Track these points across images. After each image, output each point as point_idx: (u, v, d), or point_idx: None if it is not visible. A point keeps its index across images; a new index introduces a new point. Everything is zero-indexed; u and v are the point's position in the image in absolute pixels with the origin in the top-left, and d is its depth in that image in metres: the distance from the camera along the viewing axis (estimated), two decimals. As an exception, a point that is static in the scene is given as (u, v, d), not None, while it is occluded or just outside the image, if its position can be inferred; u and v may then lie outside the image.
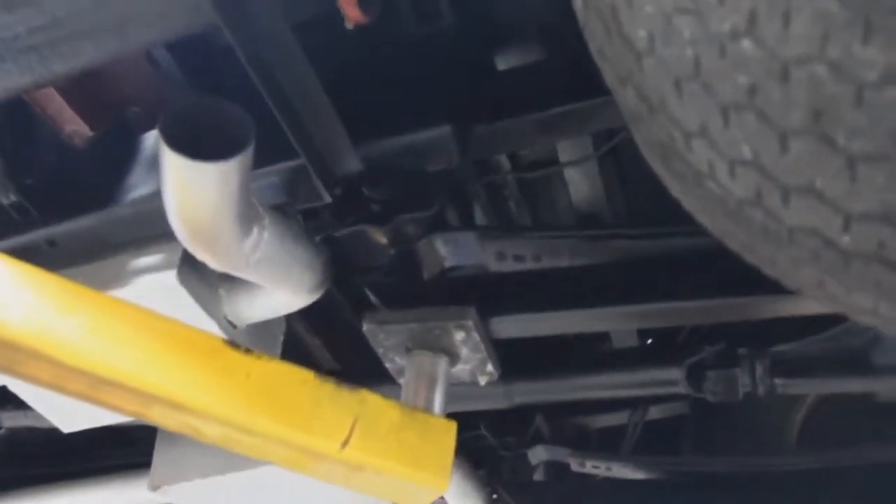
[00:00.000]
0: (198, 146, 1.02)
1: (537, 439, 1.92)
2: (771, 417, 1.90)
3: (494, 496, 1.97)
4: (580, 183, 1.59)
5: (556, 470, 1.98)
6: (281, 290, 1.35)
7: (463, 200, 1.50)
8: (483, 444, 1.94)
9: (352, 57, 1.36)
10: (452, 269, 1.43)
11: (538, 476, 2.00)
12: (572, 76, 1.41)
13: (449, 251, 1.40)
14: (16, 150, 1.53)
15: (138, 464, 2.28)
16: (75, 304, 1.08)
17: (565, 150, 1.54)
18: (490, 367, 1.34)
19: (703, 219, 1.00)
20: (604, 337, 1.83)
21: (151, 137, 1.58)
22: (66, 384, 1.09)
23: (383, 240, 1.39)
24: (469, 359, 1.32)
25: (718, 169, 0.83)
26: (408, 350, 1.31)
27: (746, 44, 0.67)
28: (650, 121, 0.90)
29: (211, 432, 1.12)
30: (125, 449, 2.37)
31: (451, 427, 1.23)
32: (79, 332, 1.06)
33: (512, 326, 1.32)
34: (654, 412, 2.00)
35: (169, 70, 1.60)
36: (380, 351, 1.34)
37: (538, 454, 1.90)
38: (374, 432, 1.17)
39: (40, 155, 1.57)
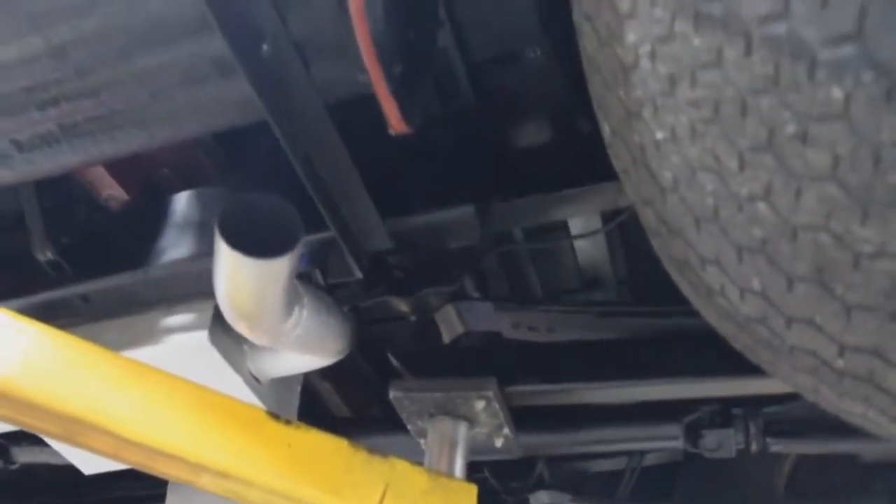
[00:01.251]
0: (250, 238, 1.14)
1: (539, 485, 2.05)
2: (761, 468, 2.04)
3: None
4: (587, 250, 1.72)
5: (556, 513, 2.11)
6: (311, 355, 1.47)
7: (478, 269, 1.62)
8: (487, 488, 2.06)
9: (376, 135, 1.48)
10: (470, 333, 1.55)
11: (538, 519, 2.13)
12: (585, 157, 1.54)
13: (467, 319, 1.53)
14: (53, 210, 1.63)
15: (149, 497, 2.38)
16: (130, 379, 1.19)
17: (575, 222, 1.68)
18: (506, 430, 1.46)
19: (709, 319, 1.13)
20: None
21: (182, 199, 1.69)
22: (124, 454, 1.20)
23: (406, 309, 1.51)
24: (487, 423, 1.44)
25: (729, 291, 0.96)
26: (430, 415, 1.43)
27: (762, 206, 0.80)
28: (668, 239, 1.02)
29: (255, 498, 1.24)
30: (136, 482, 2.47)
31: (473, 490, 1.35)
32: (135, 407, 1.18)
33: (528, 396, 1.45)
34: (650, 458, 2.13)
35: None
36: (404, 415, 1.46)
37: (540, 499, 2.02)
38: (403, 497, 1.29)
39: (76, 214, 1.68)
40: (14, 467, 2.24)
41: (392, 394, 1.44)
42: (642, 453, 2.10)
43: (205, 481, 1.23)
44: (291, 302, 1.25)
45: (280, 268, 1.13)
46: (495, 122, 1.62)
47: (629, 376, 1.44)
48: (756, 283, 0.89)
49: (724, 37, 0.74)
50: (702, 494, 2.07)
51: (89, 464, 1.93)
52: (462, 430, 1.42)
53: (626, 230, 1.77)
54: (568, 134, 1.66)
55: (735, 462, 2.05)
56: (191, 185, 1.72)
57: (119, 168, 1.62)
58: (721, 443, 1.68)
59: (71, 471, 2.50)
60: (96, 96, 1.27)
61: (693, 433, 1.69)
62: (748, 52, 0.72)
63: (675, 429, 1.70)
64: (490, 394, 1.38)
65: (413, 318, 1.53)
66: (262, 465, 1.22)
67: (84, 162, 1.38)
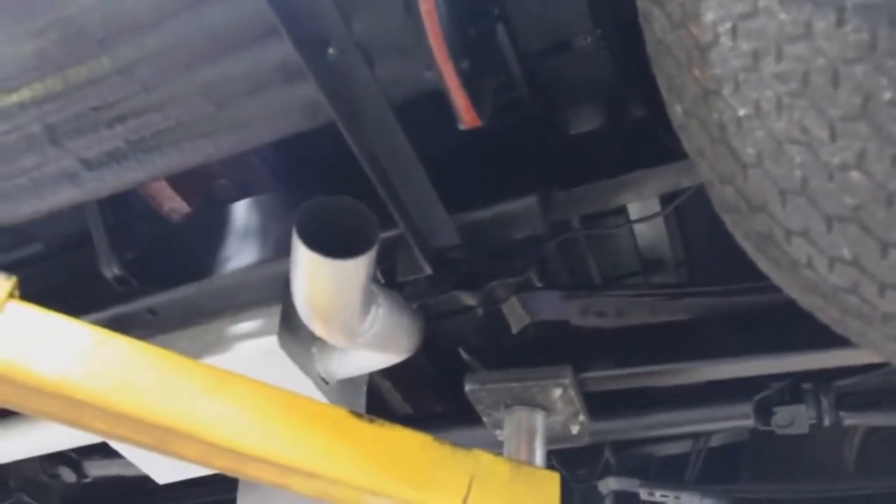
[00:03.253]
0: (327, 239, 1.16)
1: (606, 471, 2.05)
2: (829, 442, 2.03)
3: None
4: (646, 234, 1.72)
5: (625, 500, 2.11)
6: (382, 353, 1.49)
7: (540, 259, 1.63)
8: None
9: (437, 133, 1.49)
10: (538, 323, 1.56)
11: (608, 506, 2.13)
12: (641, 142, 1.54)
13: (534, 309, 1.54)
14: (117, 226, 1.66)
15: (218, 502, 2.42)
16: (217, 386, 1.21)
17: (633, 206, 1.68)
18: (582, 417, 1.47)
19: (792, 294, 1.13)
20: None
21: (241, 207, 1.71)
22: (214, 460, 1.23)
23: (473, 302, 1.52)
24: (563, 411, 1.45)
25: (817, 262, 0.95)
26: (506, 406, 1.44)
27: (855, 175, 0.80)
28: (748, 216, 1.02)
29: (343, 495, 1.26)
30: (203, 488, 2.50)
31: (555, 478, 1.36)
32: (224, 414, 1.20)
33: (602, 382, 1.46)
34: (716, 440, 2.13)
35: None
36: (479, 407, 1.47)
37: (608, 485, 2.03)
38: (488, 488, 1.30)
39: (138, 229, 1.71)
40: (87, 481, 2.28)
41: (468, 387, 1.45)
42: (708, 435, 2.10)
43: (294, 482, 1.25)
44: (368, 301, 1.27)
45: (358, 268, 1.15)
46: (550, 111, 1.63)
47: (701, 356, 1.45)
48: (846, 252, 0.89)
49: (813, 9, 0.75)
50: (769, 472, 2.06)
51: (163, 473, 1.96)
52: (539, 418, 1.43)
53: (683, 213, 1.77)
54: (621, 120, 1.67)
55: (802, 438, 2.04)
56: (248, 194, 1.74)
57: (179, 181, 1.65)
58: (793, 418, 1.67)
59: (139, 482, 2.56)
60: (163, 110, 1.29)
61: (764, 411, 1.69)
62: (840, 22, 0.73)
63: (745, 407, 1.70)
64: (566, 381, 1.39)
65: (480, 311, 1.54)
66: (349, 463, 1.24)
67: (150, 176, 1.41)
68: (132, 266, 1.68)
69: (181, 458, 1.22)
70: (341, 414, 1.27)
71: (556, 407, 1.43)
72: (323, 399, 1.66)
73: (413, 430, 1.30)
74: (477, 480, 1.30)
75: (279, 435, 1.21)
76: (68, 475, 2.25)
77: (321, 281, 1.17)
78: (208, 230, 1.68)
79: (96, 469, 2.26)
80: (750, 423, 1.71)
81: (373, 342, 1.38)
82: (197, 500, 2.47)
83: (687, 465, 2.13)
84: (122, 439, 1.21)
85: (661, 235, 1.73)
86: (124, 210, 1.70)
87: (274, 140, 1.34)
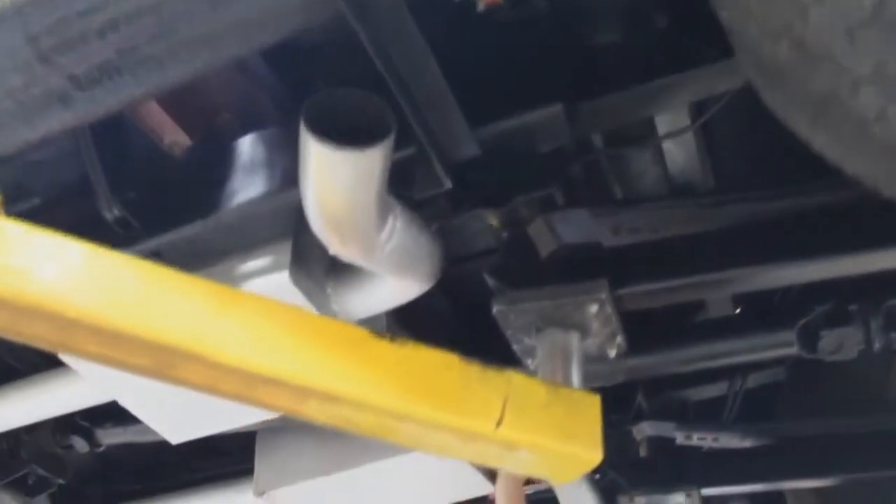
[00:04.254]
0: (338, 134, 1.01)
1: (639, 416, 1.90)
2: (874, 375, 1.88)
3: (597, 476, 1.95)
4: (675, 155, 1.57)
5: (659, 445, 1.97)
6: (400, 280, 1.34)
7: (566, 180, 1.48)
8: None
9: (455, 39, 1.35)
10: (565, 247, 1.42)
11: (642, 452, 1.98)
12: (666, 49, 1.40)
13: (563, 230, 1.39)
14: (116, 165, 1.53)
15: (233, 473, 2.28)
16: (224, 304, 1.07)
17: (662, 122, 1.53)
18: (619, 339, 1.32)
19: (855, 166, 0.99)
20: (699, 308, 1.81)
21: (246, 142, 1.57)
22: (221, 385, 1.08)
23: (496, 223, 1.38)
24: (599, 332, 1.30)
25: (893, 113, 0.81)
26: (538, 329, 1.29)
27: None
28: (806, 75, 0.88)
29: (365, 422, 1.11)
30: (219, 460, 2.36)
31: (596, 399, 1.21)
32: (233, 333, 1.05)
33: (641, 297, 1.31)
34: (752, 381, 1.98)
35: (258, 74, 1.59)
36: (508, 332, 1.32)
37: (643, 430, 1.88)
38: (524, 410, 1.15)
39: (139, 168, 1.57)
40: (100, 450, 2.14)
41: (496, 308, 1.30)
42: (745, 376, 1.95)
43: (311, 408, 1.10)
44: (385, 208, 1.12)
45: (373, 160, 1.00)
46: (569, 21, 1.48)
47: (745, 263, 1.30)
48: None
49: None
50: (808, 411, 1.91)
51: (177, 432, 1.82)
52: (574, 340, 1.28)
53: (713, 133, 1.62)
54: (645, 30, 1.52)
55: (844, 373, 1.89)
56: (252, 130, 1.60)
57: (179, 112, 1.51)
58: (840, 343, 1.52)
59: (154, 455, 2.42)
60: (157, 12, 1.15)
61: (809, 336, 1.54)
62: None
63: (788, 334, 1.55)
64: (603, 296, 1.24)
65: (504, 233, 1.39)
66: (371, 384, 1.09)
67: (146, 92, 1.26)
68: (134, 207, 1.54)
69: (186, 383, 1.07)
70: (361, 333, 1.12)
71: (591, 327, 1.28)
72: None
73: (439, 350, 1.15)
74: (511, 402, 1.15)
75: (294, 353, 1.06)
76: (81, 445, 2.11)
77: (334, 178, 1.02)
78: (212, 166, 1.54)
79: (109, 437, 2.12)
80: (794, 350, 1.56)
81: (391, 261, 1.23)
82: (213, 471, 2.33)
83: (722, 409, 1.98)
84: (121, 364, 1.07)
85: (691, 155, 1.57)
86: (123, 149, 1.57)
87: (277, 41, 1.19)
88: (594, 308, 1.25)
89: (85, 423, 2.11)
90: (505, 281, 1.33)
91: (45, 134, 1.34)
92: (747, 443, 1.80)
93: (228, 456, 2.36)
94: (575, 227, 1.38)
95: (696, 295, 1.40)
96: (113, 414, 2.12)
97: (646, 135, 1.54)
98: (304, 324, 1.09)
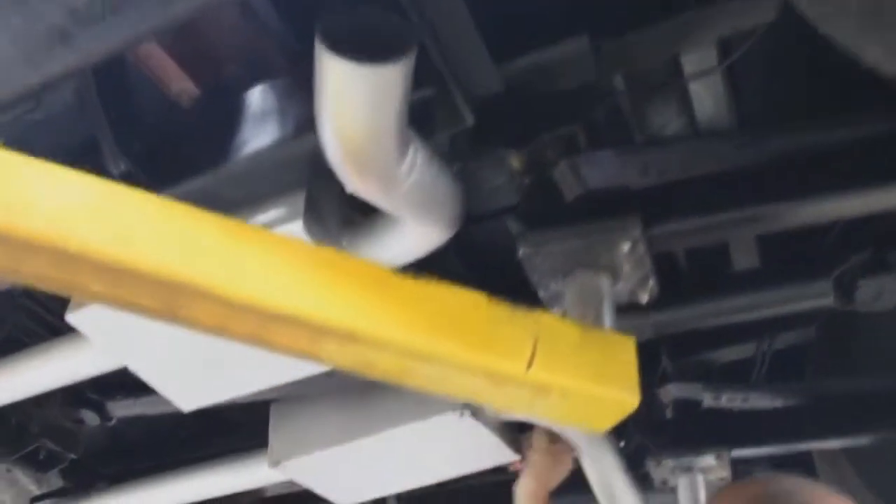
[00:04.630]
0: (355, 54, 0.94)
1: (664, 379, 1.82)
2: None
3: (622, 443, 1.87)
4: (702, 98, 1.49)
5: (685, 408, 1.88)
6: (420, 224, 1.26)
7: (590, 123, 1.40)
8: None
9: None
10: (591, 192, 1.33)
11: (668, 415, 1.90)
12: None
13: (588, 173, 1.31)
14: (121, 118, 1.45)
15: (247, 448, 2.20)
16: (238, 239, 0.99)
17: (688, 63, 1.45)
18: (652, 284, 1.24)
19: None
20: (724, 260, 1.72)
21: (256, 93, 1.49)
22: (233, 325, 1.00)
23: (518, 165, 1.30)
24: (630, 276, 1.22)
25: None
26: (566, 273, 1.21)
27: None
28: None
29: (387, 364, 1.03)
30: (232, 435, 2.29)
31: (631, 341, 1.13)
32: (246, 268, 0.97)
33: (674, 237, 1.23)
34: (780, 342, 1.89)
35: (267, 22, 1.51)
36: (535, 277, 1.24)
37: (669, 393, 1.80)
38: (556, 352, 1.07)
39: (145, 120, 1.49)
40: (111, 423, 2.06)
41: (521, 251, 1.22)
42: (773, 336, 1.86)
43: (329, 350, 1.02)
44: (405, 138, 1.04)
45: (394, 77, 0.92)
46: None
47: (779, 199, 1.21)
48: None
49: None
50: (839, 371, 1.82)
51: (189, 399, 1.74)
52: (605, 283, 1.20)
53: (740, 77, 1.53)
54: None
55: (876, 330, 1.81)
56: (261, 81, 1.53)
57: (187, 60, 1.43)
58: (879, 292, 1.43)
59: (167, 431, 2.35)
60: (159, -65, 1.08)
61: (845, 286, 1.45)
62: None
63: (824, 284, 1.47)
64: (636, 233, 1.16)
65: (526, 178, 1.31)
66: (393, 322, 1.01)
67: (152, 28, 1.19)
68: (141, 160, 1.46)
69: (195, 324, 0.99)
70: (382, 271, 1.04)
71: (623, 269, 1.20)
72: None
73: (464, 288, 1.07)
74: (542, 343, 1.07)
75: (311, 290, 0.98)
76: (91, 418, 2.04)
77: (353, 97, 0.94)
78: (220, 116, 1.45)
79: (120, 409, 2.04)
80: (829, 301, 1.48)
81: (412, 200, 1.15)
82: (226, 447, 2.25)
83: (748, 373, 1.90)
84: (126, 305, 0.99)
85: (718, 99, 1.49)
86: (128, 101, 1.49)
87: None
88: (626, 247, 1.17)
89: (95, 396, 2.04)
90: (529, 224, 1.25)
91: (46, 77, 1.27)
92: (778, 403, 1.72)
93: (242, 431, 2.29)
94: (601, 170, 1.30)
95: (731, 233, 1.31)
96: (123, 385, 2.06)
97: (671, 76, 1.45)
98: (321, 260, 1.02)
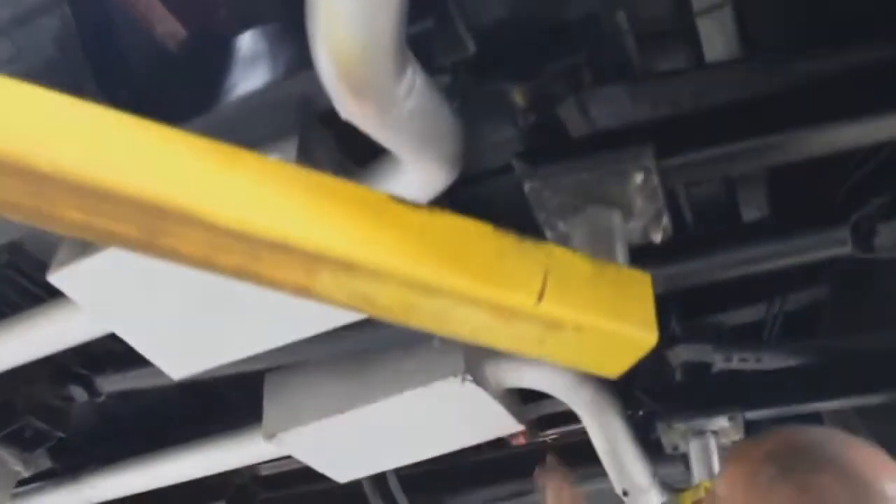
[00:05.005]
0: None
1: (674, 341, 1.74)
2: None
3: (630, 412, 1.79)
4: (715, 37, 1.41)
5: (695, 370, 1.80)
6: (419, 163, 1.17)
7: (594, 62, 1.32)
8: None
9: None
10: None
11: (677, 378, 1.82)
12: None
13: (596, 110, 1.23)
14: (104, 63, 1.37)
15: (239, 426, 2.11)
16: (227, 163, 0.91)
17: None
18: (665, 221, 1.16)
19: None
20: (735, 212, 1.63)
21: (245, 38, 1.41)
22: (220, 255, 0.92)
23: (522, 100, 1.22)
24: (643, 212, 1.14)
25: None
26: (575, 209, 1.13)
27: None
28: None
29: (387, 299, 0.95)
30: (224, 415, 2.19)
31: (647, 278, 1.05)
32: (235, 191, 0.89)
33: (688, 168, 1.15)
34: (792, 302, 1.81)
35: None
36: (542, 216, 1.16)
37: (679, 354, 1.72)
38: (568, 286, 0.99)
39: (130, 64, 1.41)
40: (100, 399, 1.97)
41: (527, 186, 1.14)
42: (784, 297, 1.78)
43: (324, 282, 0.93)
44: (402, 57, 0.96)
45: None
46: None
47: (798, 126, 1.14)
48: None
49: None
50: (854, 328, 1.74)
51: (178, 366, 1.65)
52: (617, 219, 1.12)
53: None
54: None
55: (888, 289, 1.73)
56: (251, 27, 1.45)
57: (173, 2, 1.35)
58: (900, 237, 1.36)
59: (158, 411, 2.26)
60: None
61: (863, 232, 1.38)
62: None
63: (841, 231, 1.39)
64: (649, 163, 1.08)
65: (532, 116, 1.23)
66: (394, 250, 0.93)
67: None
68: (126, 107, 1.38)
69: (178, 256, 0.91)
70: (380, 197, 0.96)
71: (635, 203, 1.12)
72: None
73: (468, 218, 0.98)
74: (552, 276, 0.99)
75: (305, 214, 0.90)
76: (79, 394, 1.95)
77: (347, 10, 0.86)
78: (209, 60, 1.38)
79: (109, 384, 1.95)
80: (847, 249, 1.40)
81: (411, 131, 1.06)
82: (218, 427, 2.15)
83: (759, 336, 1.82)
84: (104, 234, 0.90)
85: (729, 38, 1.41)
86: (113, 46, 1.40)
87: None
88: (639, 178, 1.09)
89: (83, 371, 1.95)
90: (535, 162, 1.17)
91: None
92: (791, 362, 1.64)
93: (235, 410, 2.20)
94: (610, 106, 1.22)
95: (744, 164, 1.23)
96: (112, 360, 1.97)
97: (678, 13, 1.37)
98: (315, 185, 0.93)
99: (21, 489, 2.23)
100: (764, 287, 1.75)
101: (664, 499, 1.86)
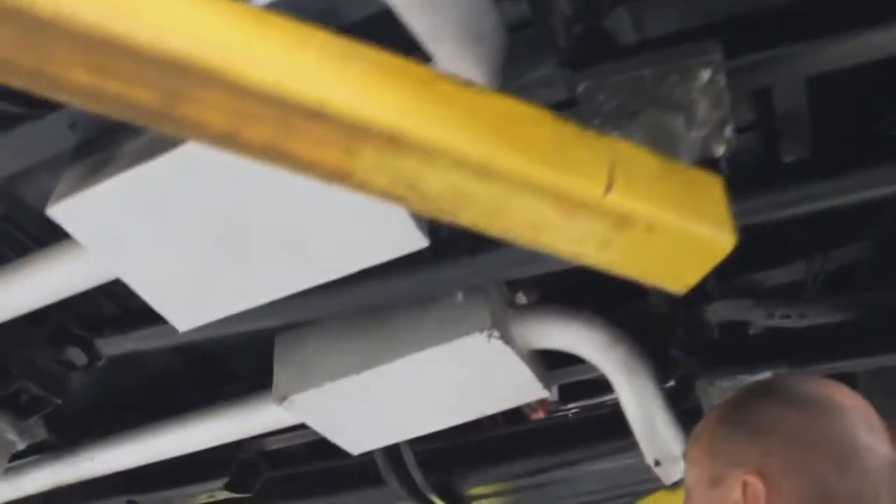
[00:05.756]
0: None
1: (710, 299, 1.61)
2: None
3: (672, 383, 1.66)
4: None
5: (731, 332, 1.67)
6: (457, 59, 1.04)
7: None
8: (650, 315, 1.63)
9: None
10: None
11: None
12: None
13: (649, 19, 1.11)
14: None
15: (242, 395, 1.97)
16: (261, 21, 0.78)
17: None
18: (729, 132, 1.03)
19: None
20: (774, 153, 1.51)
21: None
22: (247, 127, 0.78)
23: (568, 10, 1.09)
24: (706, 119, 1.01)
25: None
26: (632, 113, 1.00)
27: None
28: None
29: (436, 184, 0.82)
30: (225, 386, 2.05)
31: (717, 180, 0.92)
32: (268, 50, 0.76)
33: (758, 70, 1.03)
34: (834, 260, 1.68)
35: None
36: (595, 122, 1.03)
37: (717, 312, 1.59)
38: (636, 180, 0.86)
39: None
40: (100, 363, 1.82)
41: (582, 86, 1.01)
42: (826, 254, 1.65)
43: (366, 162, 0.80)
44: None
45: None
46: None
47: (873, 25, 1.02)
48: None
49: None
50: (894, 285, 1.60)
51: (185, 317, 1.51)
52: (680, 125, 1.00)
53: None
54: None
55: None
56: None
57: None
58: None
59: (160, 381, 2.11)
60: None
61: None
62: None
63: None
64: (717, 58, 0.96)
65: (576, 28, 1.10)
66: (446, 126, 0.80)
67: None
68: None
69: (199, 126, 0.77)
70: (427, 71, 0.83)
71: (698, 109, 0.99)
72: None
73: (522, 100, 0.86)
74: (619, 169, 0.86)
75: (347, 80, 0.77)
76: (78, 356, 1.80)
77: None
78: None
79: (110, 347, 1.80)
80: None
81: (450, 15, 0.94)
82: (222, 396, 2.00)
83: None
84: (115, 100, 0.77)
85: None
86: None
87: None
88: (706, 75, 0.96)
89: (82, 333, 1.81)
90: (586, 63, 1.04)
91: None
92: (837, 318, 1.51)
93: (238, 380, 2.05)
94: (662, 15, 1.10)
95: (816, 63, 1.10)
96: (112, 320, 1.83)
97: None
98: (353, 52, 0.80)
99: (15, 463, 2.08)
100: (804, 244, 1.62)
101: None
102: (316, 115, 0.76)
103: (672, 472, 1.70)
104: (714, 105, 1.00)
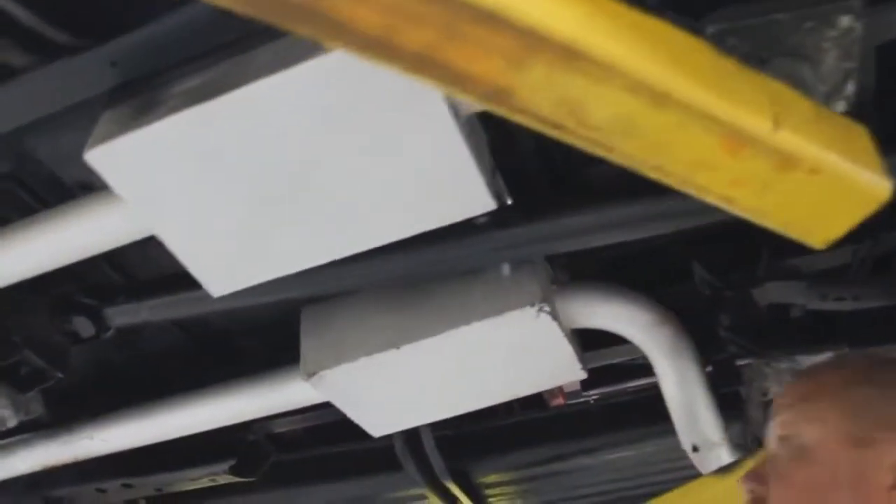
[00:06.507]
0: None
1: (760, 281, 1.56)
2: None
3: (709, 368, 1.60)
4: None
5: (778, 313, 1.62)
6: None
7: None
8: (699, 297, 1.57)
9: None
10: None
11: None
12: None
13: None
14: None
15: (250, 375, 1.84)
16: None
17: None
18: (850, 89, 0.97)
19: None
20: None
21: None
22: (406, 29, 0.68)
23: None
24: (832, 71, 0.95)
25: None
26: (762, 61, 0.94)
27: None
28: None
29: (604, 109, 0.73)
30: (234, 366, 1.92)
31: (864, 130, 0.86)
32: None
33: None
34: (883, 244, 1.65)
35: None
36: (724, 68, 0.96)
37: (768, 293, 1.54)
38: (799, 119, 0.79)
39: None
40: (108, 334, 1.68)
41: (711, 29, 0.94)
42: (875, 238, 1.61)
43: (532, 79, 0.70)
44: None
45: None
46: None
47: None
48: None
49: None
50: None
51: (220, 281, 1.38)
52: (809, 76, 0.93)
53: None
54: None
55: None
56: None
57: None
58: None
59: (165, 359, 1.97)
60: None
61: None
62: None
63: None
64: (857, 5, 0.90)
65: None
66: (624, 43, 0.71)
67: None
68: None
69: (350, 30, 0.67)
70: (591, -12, 0.75)
71: (825, 61, 0.93)
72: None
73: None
74: (780, 106, 0.79)
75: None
76: (85, 327, 1.65)
77: None
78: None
79: (120, 316, 1.66)
80: None
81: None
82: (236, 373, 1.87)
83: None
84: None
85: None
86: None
87: None
88: (845, 22, 0.90)
89: (90, 301, 1.66)
90: (715, 5, 0.97)
91: None
92: (892, 300, 1.47)
93: (248, 359, 1.92)
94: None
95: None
96: (125, 288, 1.69)
97: None
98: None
99: (6, 441, 1.91)
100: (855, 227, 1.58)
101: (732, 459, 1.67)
102: (488, 19, 0.67)
103: (709, 458, 1.64)
104: (843, 56, 0.95)
